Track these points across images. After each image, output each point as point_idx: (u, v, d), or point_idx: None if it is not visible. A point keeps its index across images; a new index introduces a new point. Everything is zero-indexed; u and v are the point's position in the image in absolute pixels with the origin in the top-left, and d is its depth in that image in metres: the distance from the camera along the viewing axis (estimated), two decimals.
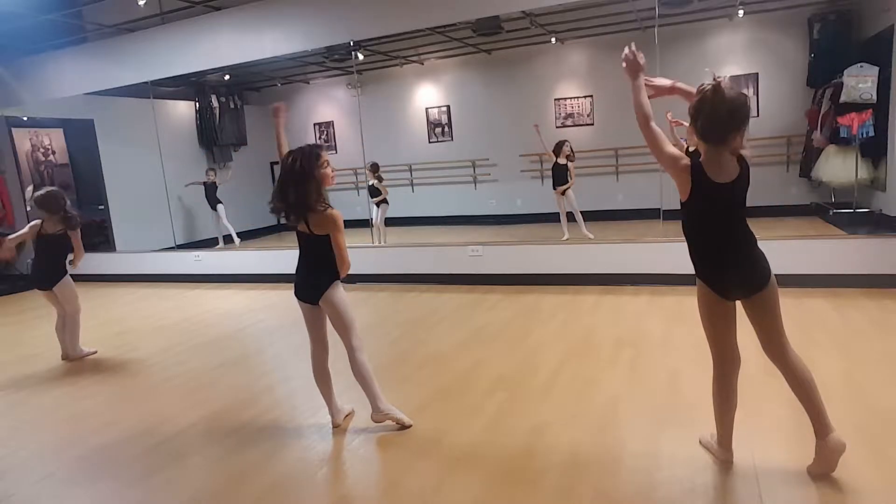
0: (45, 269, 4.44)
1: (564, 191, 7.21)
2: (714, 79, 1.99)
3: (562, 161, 7.23)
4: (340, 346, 2.90)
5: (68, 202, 4.43)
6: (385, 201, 8.00)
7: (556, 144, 7.32)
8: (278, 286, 6.53)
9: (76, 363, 4.48)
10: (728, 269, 2.22)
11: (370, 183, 7.96)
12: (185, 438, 3.02)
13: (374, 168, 7.98)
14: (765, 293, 2.23)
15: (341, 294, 2.84)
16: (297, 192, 2.66)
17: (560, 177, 7.26)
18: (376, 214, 7.93)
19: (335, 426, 2.97)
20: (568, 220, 7.27)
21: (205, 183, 8.85)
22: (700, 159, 2.10)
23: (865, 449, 2.38)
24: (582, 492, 2.26)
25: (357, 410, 3.13)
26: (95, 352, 4.64)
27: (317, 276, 2.80)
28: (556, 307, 4.91)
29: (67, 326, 4.53)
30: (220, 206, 8.83)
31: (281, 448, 2.83)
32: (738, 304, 2.32)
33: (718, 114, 1.99)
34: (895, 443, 2.42)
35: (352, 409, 3.11)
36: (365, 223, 7.78)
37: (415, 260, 6.32)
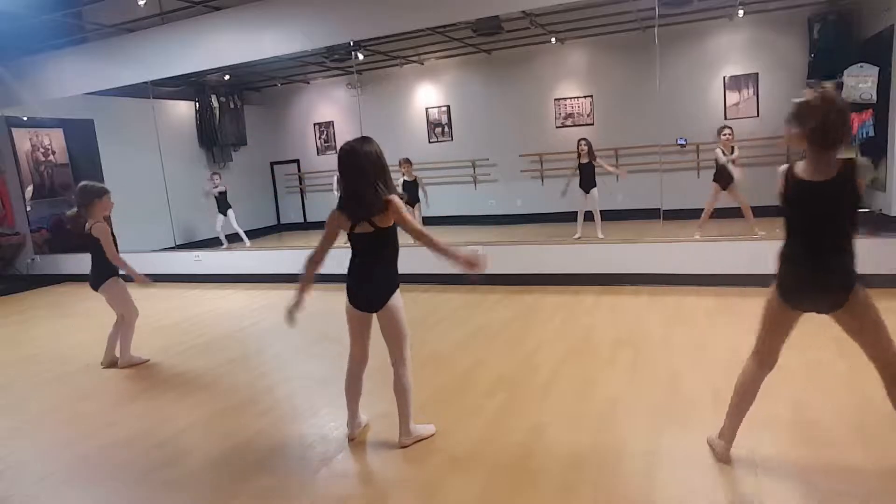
0: (92, 269, 4.25)
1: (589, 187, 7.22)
2: (820, 89, 2.08)
3: (585, 161, 7.22)
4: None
5: (95, 196, 4.10)
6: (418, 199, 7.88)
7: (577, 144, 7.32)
8: (278, 286, 6.52)
9: (76, 363, 4.47)
10: (807, 274, 2.12)
11: (409, 179, 7.73)
12: (185, 438, 3.02)
13: (410, 163, 7.78)
14: (848, 310, 2.13)
15: (401, 302, 2.69)
16: (381, 181, 2.50)
17: (587, 177, 7.22)
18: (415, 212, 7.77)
19: (351, 439, 2.83)
20: (584, 220, 7.25)
21: (214, 194, 8.80)
22: (794, 168, 2.14)
23: (866, 449, 2.38)
24: (582, 492, 2.26)
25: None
26: (149, 360, 4.39)
27: (382, 283, 2.64)
28: (555, 307, 4.91)
29: (119, 331, 4.32)
30: (230, 212, 8.78)
31: (281, 448, 2.83)
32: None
33: (831, 120, 2.03)
34: (895, 442, 2.42)
35: (367, 420, 2.98)
36: None
37: (415, 260, 6.29)
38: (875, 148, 6.21)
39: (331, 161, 10.30)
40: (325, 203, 10.75)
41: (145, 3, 6.59)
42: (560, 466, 2.44)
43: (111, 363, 4.35)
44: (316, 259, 2.66)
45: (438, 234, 2.69)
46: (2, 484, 2.71)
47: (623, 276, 5.43)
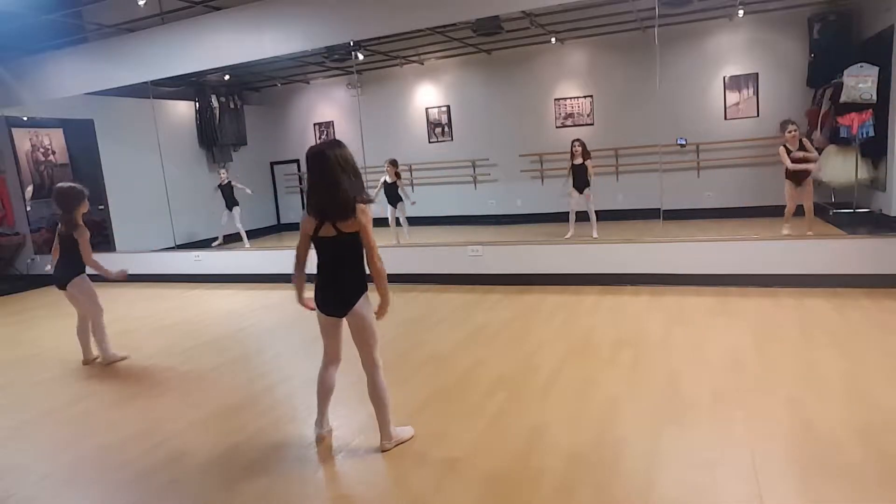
0: (60, 267, 4.35)
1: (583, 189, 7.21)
2: None
3: (578, 161, 7.22)
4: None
5: (79, 201, 4.20)
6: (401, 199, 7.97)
7: (571, 145, 7.33)
8: (278, 286, 6.53)
9: (76, 363, 4.47)
10: None
11: (390, 180, 7.84)
12: (185, 438, 3.02)
13: (395, 164, 7.88)
14: None
15: (370, 307, 2.66)
16: (349, 183, 2.48)
17: (581, 177, 7.22)
18: (397, 213, 7.86)
19: (320, 440, 2.84)
20: (576, 220, 7.26)
21: (220, 185, 8.81)
22: None
23: (866, 449, 2.38)
24: (582, 492, 2.26)
25: (353, 411, 3.13)
26: (127, 357, 4.47)
27: (347, 287, 2.61)
28: (556, 307, 4.90)
29: (92, 330, 4.41)
30: (236, 209, 8.77)
31: (281, 448, 2.83)
32: None
33: None
34: (895, 442, 2.42)
35: (330, 428, 2.95)
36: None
37: (415, 260, 6.32)
38: (875, 148, 6.21)
39: None
40: None
41: (145, 3, 6.59)
42: (560, 466, 2.44)
43: (90, 360, 4.47)
44: (299, 263, 2.71)
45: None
46: (2, 484, 2.71)
47: (623, 276, 5.43)
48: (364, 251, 2.60)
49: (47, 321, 6.10)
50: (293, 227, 11.36)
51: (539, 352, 3.87)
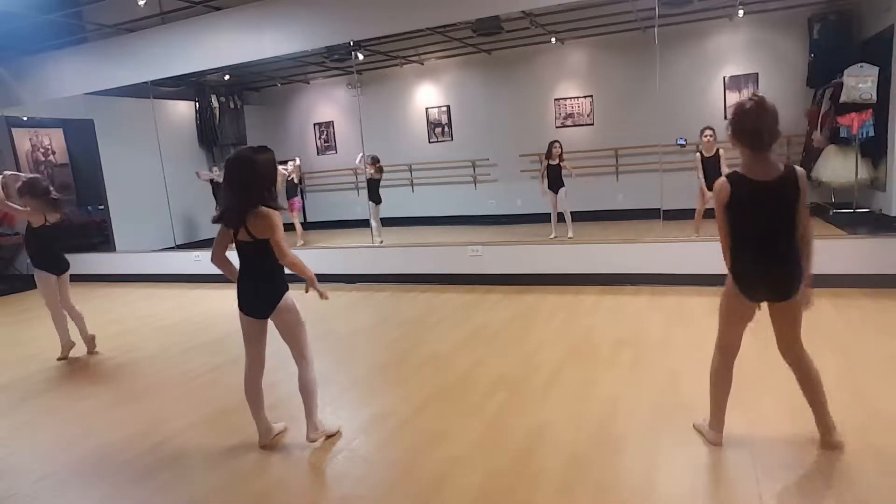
0: (57, 255, 4.50)
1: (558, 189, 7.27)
2: (752, 95, 2.31)
3: (554, 162, 7.25)
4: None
5: (46, 191, 4.41)
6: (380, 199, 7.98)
7: (548, 146, 7.36)
8: None
9: (76, 363, 4.48)
10: (764, 267, 2.28)
11: (375, 177, 7.89)
12: (185, 438, 3.02)
13: (376, 160, 7.89)
14: (793, 302, 2.30)
15: (293, 304, 2.71)
16: (268, 192, 2.58)
17: (555, 178, 7.27)
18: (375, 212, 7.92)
19: (262, 447, 2.82)
20: (558, 220, 7.31)
21: (212, 180, 8.82)
22: (738, 170, 2.32)
23: (865, 449, 2.38)
24: (582, 491, 2.26)
25: (354, 413, 3.12)
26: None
27: (269, 289, 2.66)
28: (556, 307, 4.90)
29: (76, 316, 4.59)
30: None
31: (281, 448, 2.83)
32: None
33: (761, 123, 2.27)
34: (895, 442, 2.42)
35: (284, 426, 2.99)
36: (366, 223, 7.78)
37: (415, 260, 6.31)
38: (875, 148, 6.21)
39: (331, 161, 10.31)
40: (325, 203, 10.75)
41: (145, 3, 6.58)
42: (560, 466, 2.44)
43: (89, 343, 4.66)
44: (215, 261, 2.76)
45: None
46: (2, 484, 2.71)
47: (623, 276, 5.43)
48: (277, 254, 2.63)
49: (47, 321, 6.07)
50: (293, 226, 11.36)
51: (539, 352, 3.87)
